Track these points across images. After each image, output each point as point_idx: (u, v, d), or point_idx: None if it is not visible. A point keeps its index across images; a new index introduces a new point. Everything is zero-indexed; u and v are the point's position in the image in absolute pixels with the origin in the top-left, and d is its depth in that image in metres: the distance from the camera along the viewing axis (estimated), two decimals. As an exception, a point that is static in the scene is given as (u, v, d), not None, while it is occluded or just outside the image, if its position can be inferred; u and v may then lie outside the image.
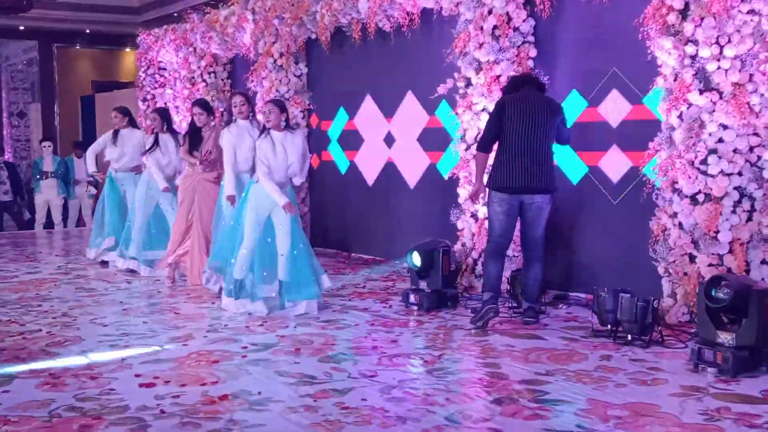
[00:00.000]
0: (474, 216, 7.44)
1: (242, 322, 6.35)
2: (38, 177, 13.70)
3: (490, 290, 6.07)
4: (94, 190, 13.75)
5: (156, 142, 8.86)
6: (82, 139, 16.37)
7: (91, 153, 9.74)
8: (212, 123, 8.17)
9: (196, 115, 8.04)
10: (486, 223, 7.27)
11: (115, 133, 9.42)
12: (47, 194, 13.68)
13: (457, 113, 7.59)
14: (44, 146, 13.91)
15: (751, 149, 5.65)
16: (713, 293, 4.84)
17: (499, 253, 6.14)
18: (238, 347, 5.56)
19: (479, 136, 7.27)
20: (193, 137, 8.11)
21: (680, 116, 5.76)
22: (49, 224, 13.91)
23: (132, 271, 8.81)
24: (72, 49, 18.58)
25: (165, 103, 12.74)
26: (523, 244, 6.27)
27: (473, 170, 6.52)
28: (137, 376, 4.87)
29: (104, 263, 9.44)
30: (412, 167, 8.89)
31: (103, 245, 9.42)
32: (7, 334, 5.97)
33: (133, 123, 9.57)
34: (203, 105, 8.18)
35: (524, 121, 6.01)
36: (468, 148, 7.44)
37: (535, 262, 6.20)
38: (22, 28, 16.92)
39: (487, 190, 6.23)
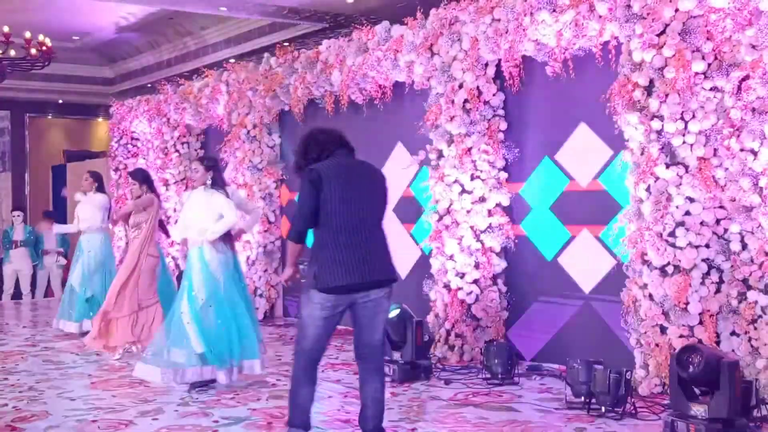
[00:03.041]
0: (447, 287, 7.46)
1: (213, 395, 6.27)
2: (8, 246, 13.57)
3: (300, 426, 4.75)
4: (63, 261, 13.62)
5: None
6: (53, 209, 16.26)
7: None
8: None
9: (129, 186, 8.16)
10: (459, 293, 7.33)
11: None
12: (17, 264, 13.54)
13: (429, 184, 7.67)
14: (15, 216, 13.82)
15: (718, 222, 5.77)
16: (685, 364, 4.87)
17: (313, 369, 4.81)
18: (209, 421, 5.49)
19: (448, 206, 7.37)
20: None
21: (648, 189, 5.88)
22: (17, 295, 13.72)
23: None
24: (44, 118, 18.62)
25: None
26: (358, 353, 4.84)
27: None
28: (106, 452, 4.78)
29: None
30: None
31: None
32: (-28, 410, 5.85)
33: (100, 188, 9.68)
34: (133, 175, 8.19)
35: (351, 198, 4.62)
36: (440, 218, 7.50)
37: (375, 374, 4.81)
38: (-6, 98, 17.00)
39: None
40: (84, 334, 9.06)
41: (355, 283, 4.58)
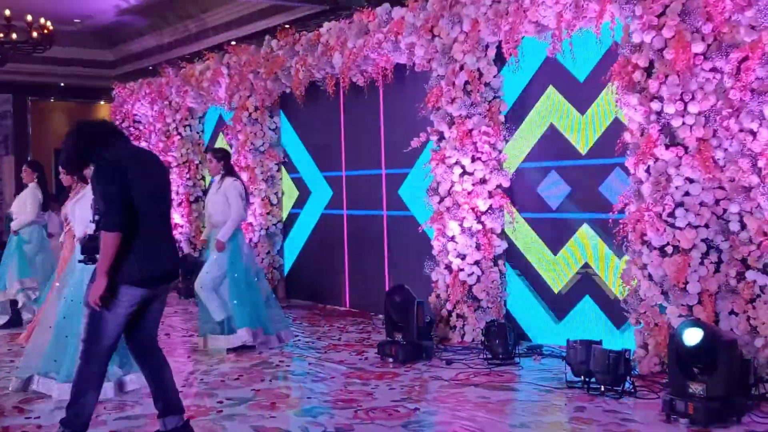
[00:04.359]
0: (448, 268, 7.51)
1: (217, 376, 6.34)
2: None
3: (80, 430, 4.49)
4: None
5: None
6: (56, 192, 16.29)
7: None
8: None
9: (61, 175, 7.38)
10: (460, 275, 7.38)
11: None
12: (21, 247, 13.56)
13: (430, 166, 7.70)
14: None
15: (717, 202, 5.79)
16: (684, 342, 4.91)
17: (105, 370, 4.54)
18: (213, 402, 5.55)
19: (449, 187, 7.41)
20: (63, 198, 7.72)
21: (647, 170, 5.91)
22: (21, 278, 13.75)
23: None
24: (46, 102, 18.62)
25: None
26: (144, 346, 4.65)
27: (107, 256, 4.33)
28: (112, 432, 4.85)
29: None
30: (388, 220, 8.98)
31: None
32: (-21, 391, 5.92)
33: (40, 179, 9.14)
34: (63, 164, 7.59)
35: (151, 187, 4.51)
36: (441, 200, 7.54)
37: (165, 360, 4.72)
38: (-5, 81, 17.00)
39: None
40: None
41: (161, 276, 4.51)
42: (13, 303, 9.01)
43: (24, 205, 8.93)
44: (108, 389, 5.62)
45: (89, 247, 4.54)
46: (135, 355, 4.70)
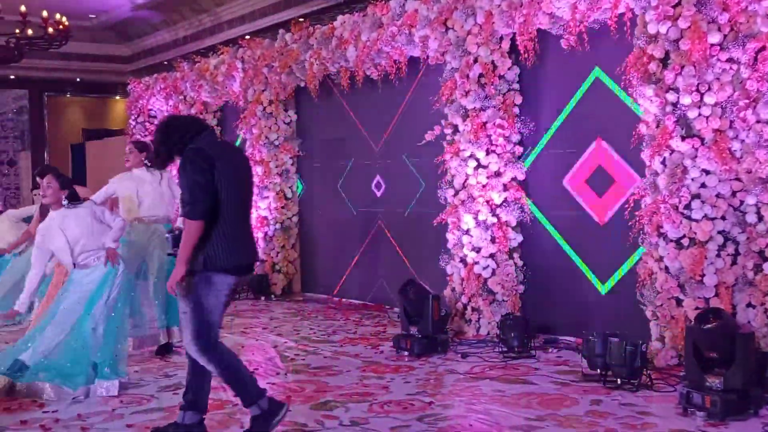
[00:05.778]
0: (463, 261, 7.50)
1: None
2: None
3: (263, 393, 4.60)
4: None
5: None
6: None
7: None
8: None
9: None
10: (475, 268, 7.36)
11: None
12: (37, 242, 13.67)
13: (444, 159, 7.68)
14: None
15: (734, 194, 5.75)
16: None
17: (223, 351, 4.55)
18: (229, 395, 5.55)
19: (464, 180, 7.39)
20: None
21: (663, 162, 5.87)
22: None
23: None
24: (62, 97, 18.71)
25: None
26: (216, 336, 4.57)
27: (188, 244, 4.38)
28: (129, 426, 4.87)
29: None
30: (402, 214, 8.97)
31: None
32: (-2, 385, 5.95)
33: None
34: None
35: (236, 177, 4.52)
36: (456, 193, 7.53)
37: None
38: (12, 77, 17.07)
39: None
40: None
41: (248, 264, 4.63)
42: None
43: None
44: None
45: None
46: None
